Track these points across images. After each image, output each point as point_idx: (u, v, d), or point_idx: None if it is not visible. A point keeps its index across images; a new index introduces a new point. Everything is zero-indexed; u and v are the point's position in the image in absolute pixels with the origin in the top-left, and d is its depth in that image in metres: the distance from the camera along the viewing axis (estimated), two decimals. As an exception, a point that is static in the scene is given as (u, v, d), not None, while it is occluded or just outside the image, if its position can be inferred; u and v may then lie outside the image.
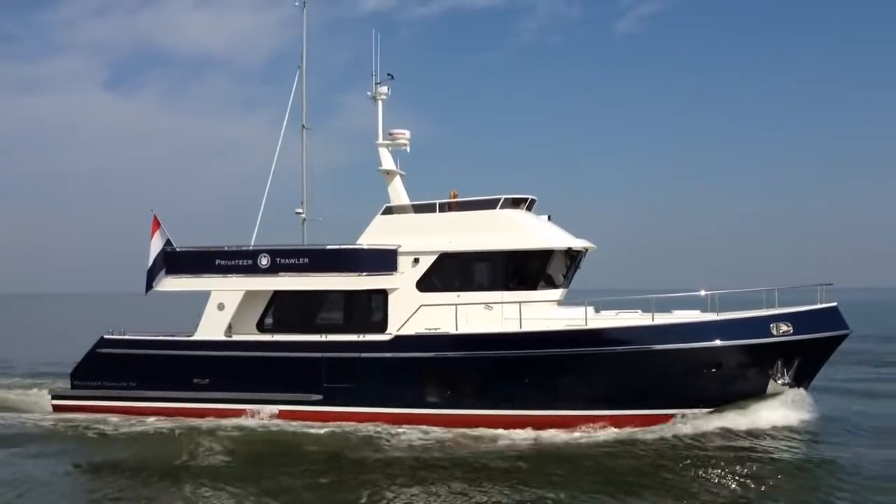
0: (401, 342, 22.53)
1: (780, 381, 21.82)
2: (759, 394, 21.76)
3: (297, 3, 26.73)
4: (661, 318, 21.86)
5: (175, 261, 24.65)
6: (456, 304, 22.46)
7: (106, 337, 24.89)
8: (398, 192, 25.13)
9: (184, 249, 24.76)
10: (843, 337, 21.90)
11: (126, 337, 24.95)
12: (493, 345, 21.86)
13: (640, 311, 23.14)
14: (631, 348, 21.25)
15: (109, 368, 24.45)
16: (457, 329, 22.30)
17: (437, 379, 22.35)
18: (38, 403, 26.12)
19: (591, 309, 23.20)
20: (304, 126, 26.42)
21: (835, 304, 21.80)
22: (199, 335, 24.18)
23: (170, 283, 24.63)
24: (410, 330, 22.76)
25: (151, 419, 23.46)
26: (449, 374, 22.23)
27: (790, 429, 20.95)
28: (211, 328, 24.08)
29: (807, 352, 21.63)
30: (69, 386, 25.19)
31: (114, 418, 23.69)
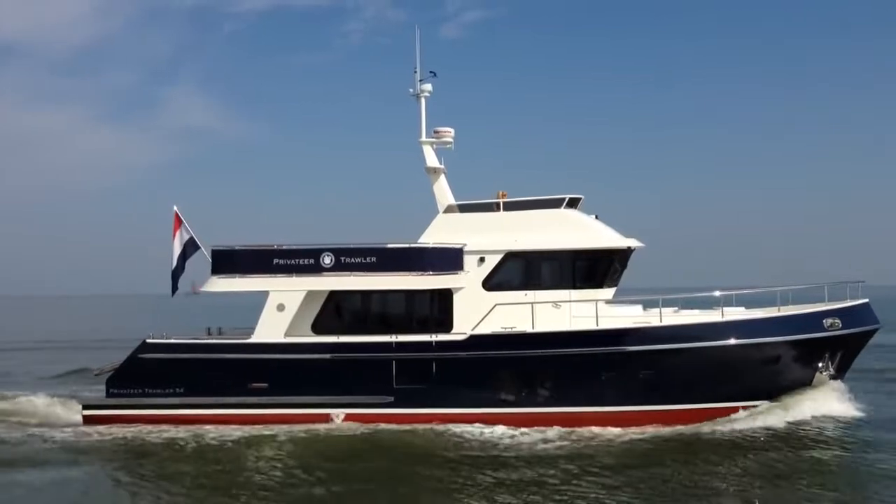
0: (477, 341, 22.48)
1: (825, 374, 23.40)
2: (805, 385, 23.25)
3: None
4: (729, 315, 22.90)
5: (226, 260, 23.44)
6: (532, 303, 22.66)
7: (149, 341, 23.34)
8: (444, 191, 24.96)
9: (237, 248, 23.60)
10: (876, 330, 23.80)
11: (173, 341, 23.50)
12: (576, 343, 22.21)
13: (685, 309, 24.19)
14: (709, 345, 22.11)
15: (153, 375, 22.96)
16: (533, 328, 22.52)
17: (514, 378, 22.46)
18: (54, 413, 24.21)
19: (639, 307, 24.12)
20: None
21: (867, 300, 23.63)
22: (257, 337, 23.11)
23: (220, 284, 23.39)
24: (485, 329, 22.74)
25: (208, 428, 22.23)
26: (526, 372, 22.39)
27: (842, 419, 22.33)
28: (270, 330, 23.06)
29: (850, 345, 23.33)
30: (103, 394, 23.47)
31: (157, 428, 22.31)
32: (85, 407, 23.46)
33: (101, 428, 22.45)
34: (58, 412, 24.57)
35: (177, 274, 24.66)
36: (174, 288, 24.82)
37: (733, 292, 24.24)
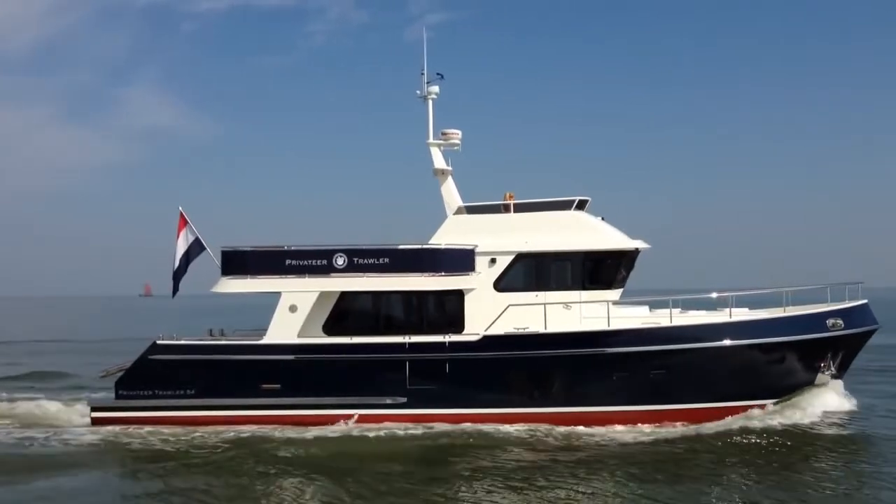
0: (491, 342, 22.63)
1: (826, 373, 23.91)
2: (808, 385, 23.73)
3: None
4: (737, 316, 23.31)
5: (236, 261, 23.32)
6: (545, 304, 22.88)
7: (159, 342, 23.15)
8: (451, 192, 25.11)
9: (248, 249, 23.49)
10: (875, 331, 24.38)
11: (184, 342, 23.34)
12: (589, 343, 22.45)
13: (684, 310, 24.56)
14: (720, 345, 22.48)
15: (164, 376, 22.78)
16: (546, 328, 22.73)
17: (527, 378, 22.65)
18: (59, 416, 23.90)
19: (645, 308, 24.47)
20: None
21: (866, 300, 24.20)
22: (269, 338, 23.04)
23: (231, 285, 23.25)
24: (498, 330, 22.91)
25: (219, 429, 22.09)
26: (539, 373, 22.60)
27: (843, 417, 22.91)
28: (283, 331, 23.00)
29: (851, 345, 23.88)
30: (113, 396, 23.21)
31: (169, 430, 22.10)
32: (94, 409, 23.18)
33: (109, 429, 22.20)
34: (63, 414, 24.23)
35: (179, 275, 24.47)
36: (175, 289, 24.64)
37: (731, 294, 24.56)
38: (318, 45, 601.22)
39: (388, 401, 22.60)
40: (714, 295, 24.45)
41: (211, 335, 25.00)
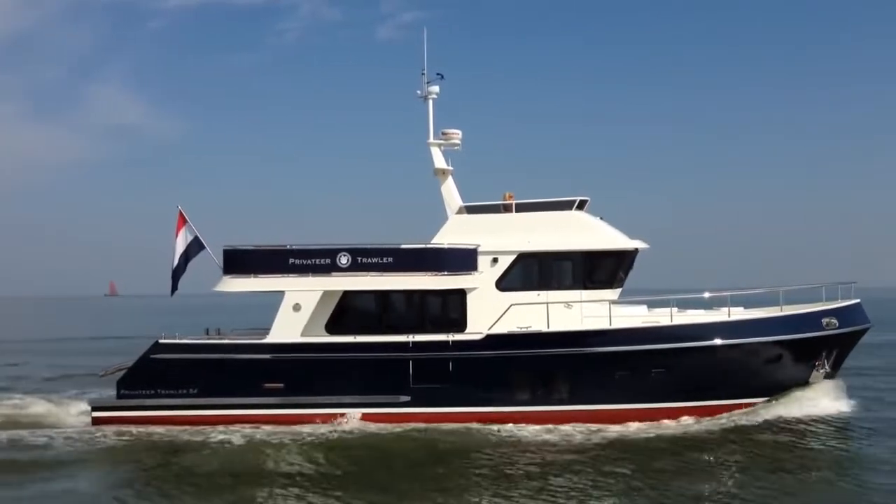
0: (494, 341, 22.75)
1: (821, 371, 24.35)
2: (803, 383, 24.12)
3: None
4: (736, 315, 23.64)
5: (239, 260, 23.23)
6: (547, 303, 23.04)
7: (161, 342, 23.00)
8: (452, 192, 25.21)
9: (251, 248, 23.43)
10: (867, 330, 24.87)
11: (187, 341, 23.22)
12: (592, 342, 22.67)
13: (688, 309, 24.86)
14: (720, 343, 22.77)
15: (167, 375, 22.65)
16: (548, 327, 22.90)
17: (531, 377, 22.80)
18: (59, 417, 23.63)
19: (644, 307, 24.74)
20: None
21: (858, 300, 24.68)
22: (272, 337, 22.97)
23: (234, 284, 23.15)
24: (501, 329, 23.03)
25: (221, 429, 22.03)
26: (543, 371, 22.75)
27: (838, 415, 23.25)
28: (286, 330, 22.96)
29: (845, 343, 24.34)
30: (114, 396, 23.04)
31: (170, 429, 22.03)
32: (94, 409, 23.01)
33: (111, 429, 22.04)
34: (62, 414, 24.01)
35: (178, 274, 24.30)
36: (174, 287, 24.44)
37: (728, 293, 24.85)
38: (290, 43, 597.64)
39: (392, 400, 22.64)
40: (706, 295, 24.84)
41: (207, 334, 24.87)
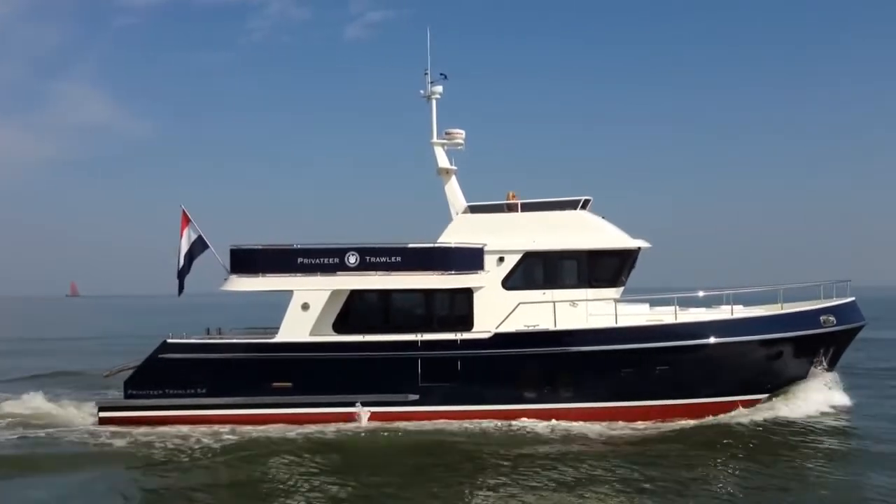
0: (502, 339, 22.92)
1: (819, 368, 24.80)
2: (801, 379, 24.55)
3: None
4: (738, 313, 24.00)
5: (247, 260, 23.21)
6: (554, 302, 23.27)
7: (169, 341, 22.92)
8: (455, 192, 25.35)
9: (258, 247, 23.40)
10: (862, 327, 25.38)
11: (194, 340, 23.15)
12: (599, 340, 22.89)
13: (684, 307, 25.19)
14: (725, 340, 23.11)
15: (175, 375, 22.58)
16: (555, 326, 23.12)
17: (539, 375, 23.00)
18: (65, 417, 23.49)
19: (646, 306, 25.05)
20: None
21: (854, 298, 25.17)
22: (281, 337, 22.98)
23: (242, 284, 23.14)
24: (508, 328, 23.22)
25: (230, 428, 22.03)
26: (550, 369, 22.96)
27: (836, 410, 23.66)
28: (295, 329, 22.97)
29: (842, 341, 24.82)
30: (121, 395, 22.94)
31: (178, 429, 21.95)
32: (101, 409, 22.90)
33: (118, 429, 21.91)
34: (69, 414, 23.86)
35: (183, 274, 24.23)
36: (180, 288, 24.36)
37: (729, 292, 25.16)
38: (258, 42, 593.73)
39: (401, 398, 22.73)
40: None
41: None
